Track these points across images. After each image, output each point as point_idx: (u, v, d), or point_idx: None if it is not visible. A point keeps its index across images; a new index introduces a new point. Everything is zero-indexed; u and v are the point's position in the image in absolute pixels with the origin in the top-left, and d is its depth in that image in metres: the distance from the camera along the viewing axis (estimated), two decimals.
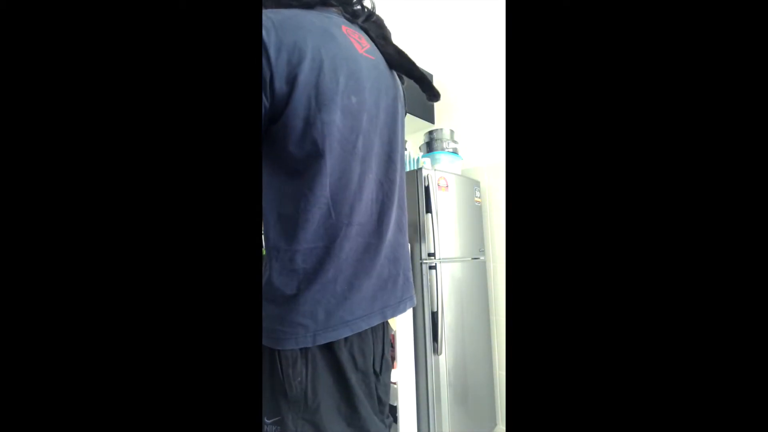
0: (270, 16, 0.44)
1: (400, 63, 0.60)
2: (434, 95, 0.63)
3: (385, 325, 0.60)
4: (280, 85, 0.43)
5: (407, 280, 0.58)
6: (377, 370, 0.56)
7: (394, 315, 0.54)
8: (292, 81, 0.43)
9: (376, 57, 0.56)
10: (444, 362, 1.41)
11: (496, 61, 1.80)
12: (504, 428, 1.64)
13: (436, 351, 1.40)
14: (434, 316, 1.41)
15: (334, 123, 0.45)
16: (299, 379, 0.45)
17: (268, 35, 0.42)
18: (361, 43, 0.53)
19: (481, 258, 1.77)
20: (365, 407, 0.50)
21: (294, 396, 0.45)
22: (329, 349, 0.47)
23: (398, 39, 1.48)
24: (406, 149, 0.62)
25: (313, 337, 0.44)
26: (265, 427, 0.46)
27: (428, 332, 1.41)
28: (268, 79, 0.42)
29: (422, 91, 0.64)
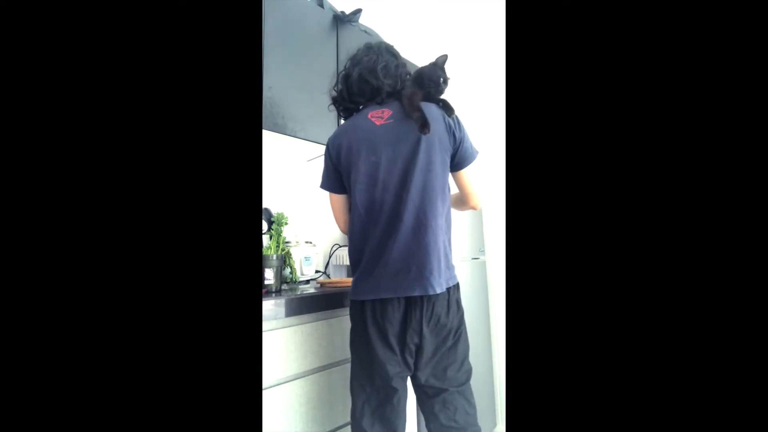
0: (336, 130, 0.91)
1: (411, 113, 0.83)
2: (449, 109, 0.86)
3: (421, 310, 0.81)
4: (337, 166, 0.87)
5: (420, 273, 0.79)
6: (403, 334, 0.82)
7: (404, 295, 0.79)
8: (339, 161, 0.87)
9: (396, 118, 0.84)
10: None
11: (496, 61, 1.80)
12: (504, 428, 1.65)
13: None
14: None
15: (360, 173, 0.83)
16: (354, 322, 0.86)
17: (332, 142, 0.88)
18: (382, 117, 0.85)
19: (481, 258, 1.77)
20: (382, 351, 0.80)
21: (351, 331, 0.88)
22: (362, 307, 0.82)
23: (398, 37, 1.48)
24: (433, 163, 0.83)
25: (357, 295, 0.83)
26: (353, 355, 0.87)
27: None
28: (334, 165, 0.88)
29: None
